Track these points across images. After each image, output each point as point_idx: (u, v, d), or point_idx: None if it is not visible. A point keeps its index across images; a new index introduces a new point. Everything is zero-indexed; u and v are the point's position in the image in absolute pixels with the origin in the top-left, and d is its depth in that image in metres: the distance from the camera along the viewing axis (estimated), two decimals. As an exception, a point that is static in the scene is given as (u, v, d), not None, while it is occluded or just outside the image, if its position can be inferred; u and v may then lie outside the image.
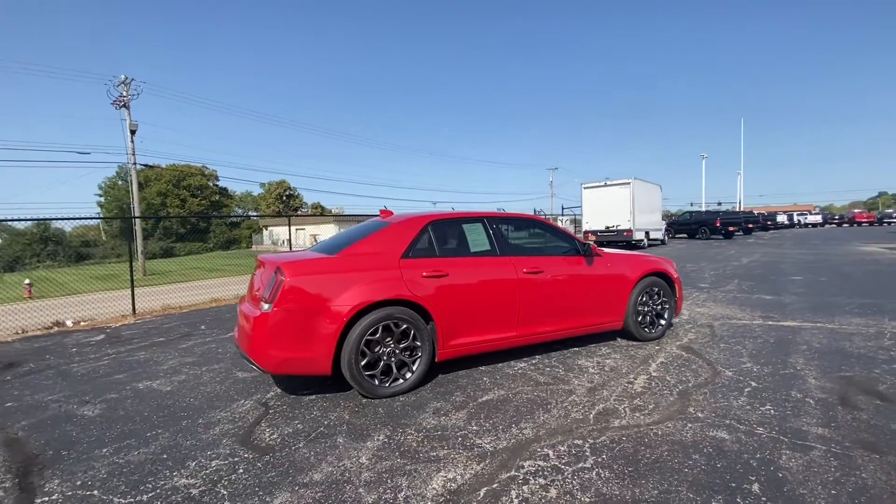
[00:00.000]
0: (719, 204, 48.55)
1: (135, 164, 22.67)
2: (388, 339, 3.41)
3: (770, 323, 5.46)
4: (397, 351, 3.45)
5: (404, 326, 3.44)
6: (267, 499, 2.17)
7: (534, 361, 4.19)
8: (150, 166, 34.73)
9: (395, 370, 3.45)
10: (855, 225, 44.49)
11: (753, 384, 3.45)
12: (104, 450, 2.74)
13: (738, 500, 2.05)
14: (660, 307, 4.85)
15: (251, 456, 2.59)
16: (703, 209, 39.18)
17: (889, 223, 43.33)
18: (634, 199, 18.98)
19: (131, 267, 8.74)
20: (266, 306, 3.20)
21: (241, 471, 2.43)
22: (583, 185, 20.37)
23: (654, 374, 3.76)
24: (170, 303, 8.78)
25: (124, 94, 21.81)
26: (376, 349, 3.38)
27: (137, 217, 25.49)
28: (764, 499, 2.05)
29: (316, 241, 14.84)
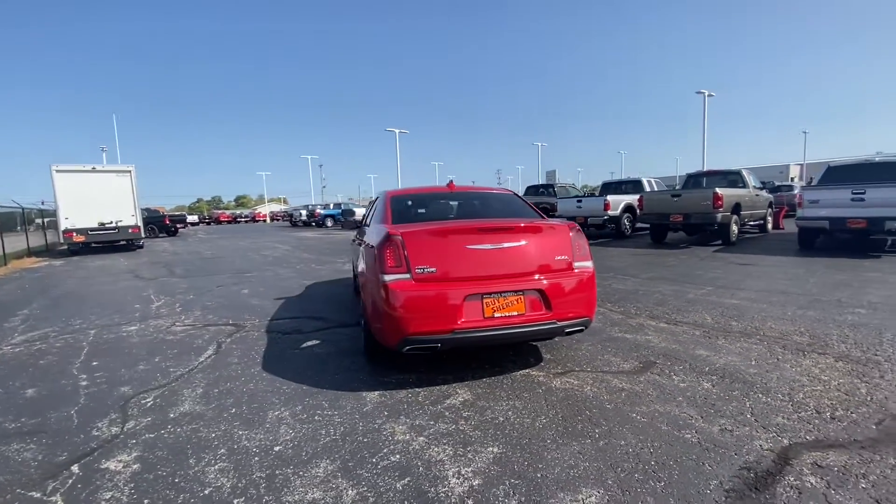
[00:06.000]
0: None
1: None
2: None
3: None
4: None
5: None
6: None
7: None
8: None
9: None
10: (223, 223, 52.80)
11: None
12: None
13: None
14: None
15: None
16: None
17: (242, 221, 56.11)
18: (136, 190, 15.97)
19: None
20: (588, 264, 3.43)
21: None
22: (55, 168, 14.83)
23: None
24: None
25: None
26: None
27: None
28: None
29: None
